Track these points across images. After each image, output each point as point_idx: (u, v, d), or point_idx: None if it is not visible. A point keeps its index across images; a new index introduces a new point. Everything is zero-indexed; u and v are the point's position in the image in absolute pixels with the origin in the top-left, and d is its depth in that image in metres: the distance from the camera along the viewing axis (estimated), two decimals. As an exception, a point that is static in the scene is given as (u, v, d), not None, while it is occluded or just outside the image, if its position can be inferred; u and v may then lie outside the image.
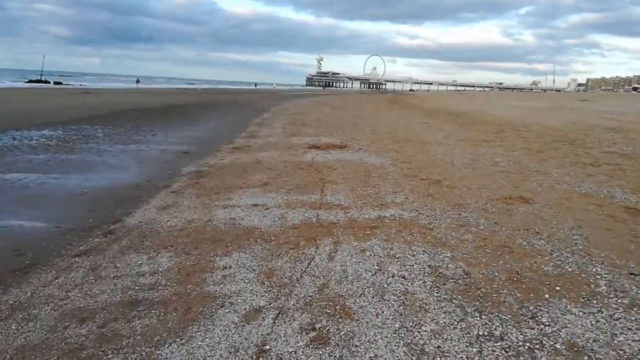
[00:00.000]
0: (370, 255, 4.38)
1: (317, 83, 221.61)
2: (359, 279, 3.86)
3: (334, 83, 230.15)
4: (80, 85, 65.36)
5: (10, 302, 3.53)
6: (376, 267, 4.11)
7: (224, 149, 11.92)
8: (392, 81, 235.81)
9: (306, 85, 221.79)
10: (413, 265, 4.15)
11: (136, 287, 3.75)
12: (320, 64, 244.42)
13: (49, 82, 64.01)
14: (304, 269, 4.07)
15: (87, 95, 35.64)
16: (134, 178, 8.11)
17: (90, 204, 6.39)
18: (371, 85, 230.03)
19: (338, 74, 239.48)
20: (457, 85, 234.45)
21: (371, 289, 3.69)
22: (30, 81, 64.55)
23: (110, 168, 8.96)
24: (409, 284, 3.77)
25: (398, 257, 4.32)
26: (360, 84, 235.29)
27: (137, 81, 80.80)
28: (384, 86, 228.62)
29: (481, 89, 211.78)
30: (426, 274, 3.96)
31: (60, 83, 65.51)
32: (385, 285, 3.75)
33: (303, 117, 23.78)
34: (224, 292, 3.67)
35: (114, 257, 4.36)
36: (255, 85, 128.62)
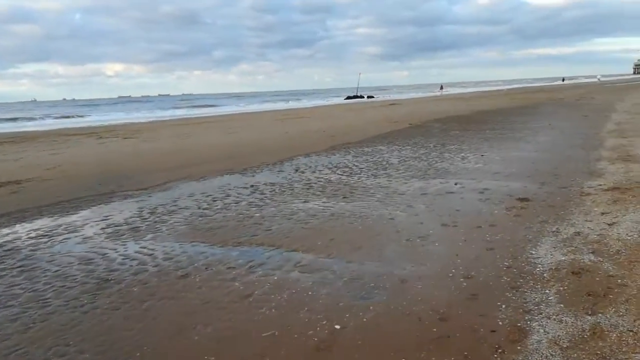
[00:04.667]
0: None
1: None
2: None
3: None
4: (388, 97, 67.91)
5: None
6: None
7: (593, 190, 6.59)
8: None
9: (634, 73, 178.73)
10: None
11: None
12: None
13: (363, 97, 68.98)
14: None
15: (393, 107, 34.69)
16: (447, 282, 3.92)
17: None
18: None
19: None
20: None
21: None
22: (348, 97, 70.85)
23: (403, 245, 5.03)
24: None
25: None
26: None
27: (441, 87, 79.64)
28: None
29: None
30: None
31: (372, 97, 69.89)
32: None
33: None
34: None
35: None
36: (563, 80, 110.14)
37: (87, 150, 15.39)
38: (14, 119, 43.38)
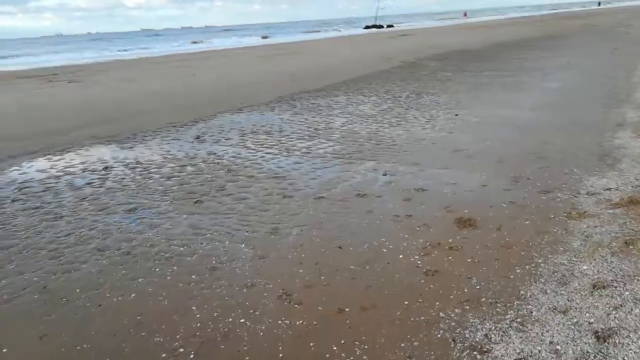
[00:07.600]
0: None
1: None
2: None
3: None
4: (407, 26, 62.25)
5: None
6: None
7: (593, 205, 3.78)
8: None
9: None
10: None
11: None
12: None
13: (382, 27, 63.52)
14: None
15: (399, 40, 30.71)
16: None
17: None
18: None
19: None
20: None
21: None
22: (367, 27, 65.42)
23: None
24: None
25: None
26: None
27: (465, 14, 72.99)
28: None
29: None
30: None
31: (392, 26, 64.34)
32: None
33: None
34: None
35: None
36: (599, 5, 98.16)
37: (3, 100, 12.96)
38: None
